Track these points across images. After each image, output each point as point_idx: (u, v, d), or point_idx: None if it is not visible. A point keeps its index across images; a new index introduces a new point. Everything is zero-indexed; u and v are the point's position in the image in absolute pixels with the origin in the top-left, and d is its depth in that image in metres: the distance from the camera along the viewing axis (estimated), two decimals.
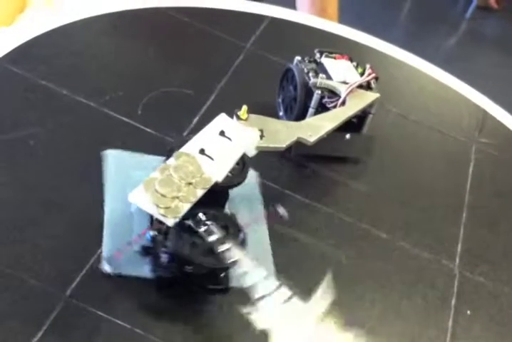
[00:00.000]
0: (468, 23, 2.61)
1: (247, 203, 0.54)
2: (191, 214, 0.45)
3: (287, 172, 0.62)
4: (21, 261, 0.47)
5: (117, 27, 0.73)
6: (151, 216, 0.47)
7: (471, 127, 0.75)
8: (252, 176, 0.56)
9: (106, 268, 0.47)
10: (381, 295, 0.55)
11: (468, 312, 0.56)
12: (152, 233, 0.46)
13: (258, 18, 0.80)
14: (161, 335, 0.46)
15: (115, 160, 0.55)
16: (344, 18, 1.16)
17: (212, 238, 0.44)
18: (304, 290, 0.52)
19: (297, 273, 0.54)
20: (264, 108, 0.66)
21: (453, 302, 0.56)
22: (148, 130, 0.62)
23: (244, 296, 0.47)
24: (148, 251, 0.47)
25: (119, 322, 0.46)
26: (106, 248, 0.48)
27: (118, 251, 0.47)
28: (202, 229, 0.45)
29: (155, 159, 0.56)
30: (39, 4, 0.99)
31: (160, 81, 0.67)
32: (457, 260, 0.60)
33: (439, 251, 0.60)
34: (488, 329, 0.55)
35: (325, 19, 1.07)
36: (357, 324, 0.52)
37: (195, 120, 0.64)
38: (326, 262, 0.55)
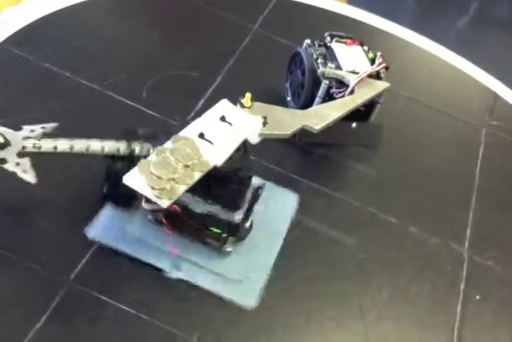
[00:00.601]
0: (479, 5, 2.57)
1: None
2: None
3: (294, 156, 0.61)
4: (24, 247, 0.47)
5: (122, 8, 0.72)
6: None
7: (482, 110, 0.74)
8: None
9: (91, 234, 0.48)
10: (389, 280, 0.54)
11: (477, 297, 0.55)
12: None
13: None
14: (166, 321, 0.46)
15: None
16: (351, 0, 1.14)
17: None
18: (311, 274, 0.52)
19: (304, 257, 0.53)
20: (271, 92, 0.66)
21: (461, 287, 0.56)
22: (153, 113, 0.61)
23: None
24: None
25: (123, 307, 0.45)
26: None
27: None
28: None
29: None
30: None
31: (166, 63, 0.67)
32: (466, 244, 0.59)
33: (448, 235, 0.59)
34: (497, 314, 0.55)
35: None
36: (364, 309, 0.52)
37: (201, 102, 0.63)
38: (334, 246, 0.55)
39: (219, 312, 0.48)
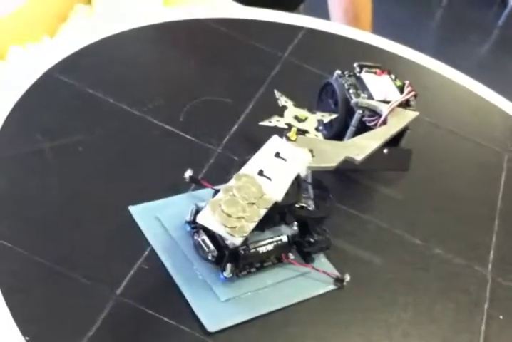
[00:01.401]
0: (501, 31, 2.59)
1: None
2: None
3: (327, 180, 0.63)
4: (73, 261, 0.50)
5: (160, 38, 0.76)
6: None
7: (504, 137, 0.77)
8: None
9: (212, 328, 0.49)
10: (414, 299, 0.56)
11: (501, 317, 0.57)
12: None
13: (295, 29, 0.83)
14: (208, 334, 0.49)
15: (141, 216, 0.55)
16: (375, 25, 1.17)
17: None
18: (341, 291, 0.55)
19: None
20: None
21: (485, 307, 0.58)
22: (189, 137, 0.64)
23: None
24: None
25: (166, 320, 0.48)
26: (196, 308, 0.49)
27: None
28: None
29: (178, 199, 0.57)
30: (80, 14, 1.03)
31: (201, 90, 0.70)
32: (489, 266, 0.61)
33: (472, 257, 0.61)
34: None
35: (358, 27, 1.09)
36: (390, 327, 0.54)
37: (234, 128, 0.66)
38: (362, 266, 0.57)
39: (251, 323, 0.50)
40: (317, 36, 0.84)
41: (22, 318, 0.46)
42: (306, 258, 0.54)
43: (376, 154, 0.62)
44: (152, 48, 0.74)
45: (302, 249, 0.54)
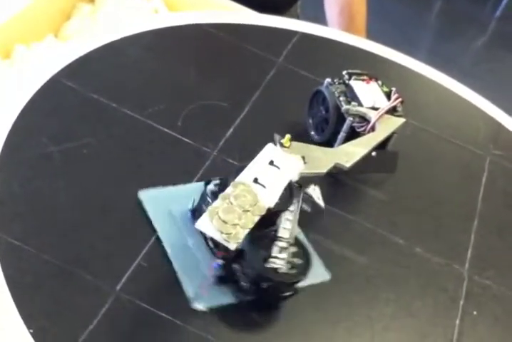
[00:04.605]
0: (498, 23, 2.62)
1: None
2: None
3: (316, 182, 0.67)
4: (78, 259, 0.54)
5: (159, 44, 0.79)
6: (211, 248, 0.55)
7: (486, 140, 0.80)
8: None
9: (198, 306, 0.53)
10: (395, 295, 0.61)
11: (475, 312, 0.61)
12: (220, 262, 0.54)
13: (289, 34, 0.86)
14: (202, 328, 0.53)
15: (151, 200, 0.59)
16: (372, 19, 1.20)
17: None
18: (327, 287, 0.59)
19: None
20: (294, 122, 0.73)
21: (461, 303, 0.62)
22: (187, 140, 0.68)
23: None
24: (225, 279, 0.54)
25: (163, 315, 0.52)
26: (187, 286, 0.54)
27: (201, 287, 0.54)
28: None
29: (186, 189, 0.61)
30: (83, 13, 1.06)
31: (198, 94, 0.74)
32: (467, 265, 0.65)
33: (451, 256, 0.66)
34: (492, 328, 0.61)
35: (352, 28, 1.12)
36: (372, 321, 0.58)
37: (230, 131, 0.70)
38: (346, 263, 0.61)
39: (244, 319, 0.55)
40: (311, 41, 0.87)
41: (27, 312, 0.50)
42: None
43: (365, 157, 0.65)
44: (151, 53, 0.77)
45: None
